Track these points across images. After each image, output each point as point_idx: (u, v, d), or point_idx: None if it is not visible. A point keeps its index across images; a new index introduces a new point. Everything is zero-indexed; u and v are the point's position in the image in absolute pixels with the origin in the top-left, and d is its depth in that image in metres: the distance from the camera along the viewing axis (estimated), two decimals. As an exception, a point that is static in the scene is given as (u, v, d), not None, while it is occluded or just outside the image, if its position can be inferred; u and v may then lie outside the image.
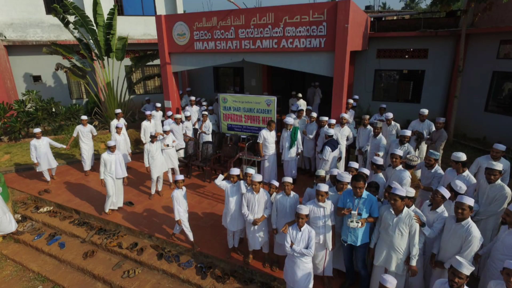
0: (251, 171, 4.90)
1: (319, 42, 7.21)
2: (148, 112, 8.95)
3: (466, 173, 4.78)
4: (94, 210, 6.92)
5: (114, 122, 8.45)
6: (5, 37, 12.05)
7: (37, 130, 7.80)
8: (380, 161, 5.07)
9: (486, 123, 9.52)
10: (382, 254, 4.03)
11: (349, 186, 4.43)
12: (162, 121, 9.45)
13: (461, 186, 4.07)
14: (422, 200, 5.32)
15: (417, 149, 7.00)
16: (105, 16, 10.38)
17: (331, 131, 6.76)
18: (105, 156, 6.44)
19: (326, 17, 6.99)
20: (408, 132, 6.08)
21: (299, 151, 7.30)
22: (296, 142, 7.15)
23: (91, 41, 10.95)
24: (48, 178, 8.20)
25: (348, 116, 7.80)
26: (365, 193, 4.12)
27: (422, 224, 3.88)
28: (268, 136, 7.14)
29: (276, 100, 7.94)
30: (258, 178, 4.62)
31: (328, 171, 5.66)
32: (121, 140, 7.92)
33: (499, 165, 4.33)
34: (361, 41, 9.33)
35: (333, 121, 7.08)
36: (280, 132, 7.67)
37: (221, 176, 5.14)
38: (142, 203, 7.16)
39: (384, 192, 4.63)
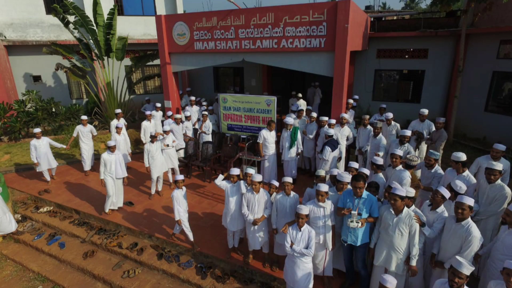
0: (251, 171, 4.90)
1: (319, 42, 7.21)
2: (148, 112, 8.95)
3: (466, 173, 4.78)
4: (94, 210, 6.92)
5: (114, 122, 8.45)
6: (5, 37, 12.05)
7: (37, 130, 7.80)
8: (380, 161, 5.07)
9: (486, 123, 9.52)
10: (382, 254, 4.03)
11: (349, 186, 4.43)
12: (162, 121, 9.45)
13: (461, 186, 4.07)
14: (422, 200, 5.32)
15: (417, 149, 7.00)
16: (105, 16, 10.38)
17: (331, 131, 6.76)
18: (105, 156, 6.44)
19: (326, 17, 6.99)
20: (408, 132, 6.08)
21: (299, 151, 7.30)
22: (296, 142, 7.15)
23: (91, 41, 10.96)
24: (48, 178, 8.20)
25: (348, 116, 7.80)
26: (365, 193, 4.12)
27: (422, 224, 3.88)
28: (268, 136, 7.14)
29: (276, 100, 7.94)
30: (258, 178, 4.62)
31: (328, 171, 5.66)
32: (121, 140, 7.92)
33: (499, 165, 4.33)
34: (361, 41, 9.33)
35: (333, 121, 7.08)
36: (280, 132, 7.67)
37: (221, 176, 5.14)
38: (142, 203, 7.16)
39: (384, 192, 4.63)
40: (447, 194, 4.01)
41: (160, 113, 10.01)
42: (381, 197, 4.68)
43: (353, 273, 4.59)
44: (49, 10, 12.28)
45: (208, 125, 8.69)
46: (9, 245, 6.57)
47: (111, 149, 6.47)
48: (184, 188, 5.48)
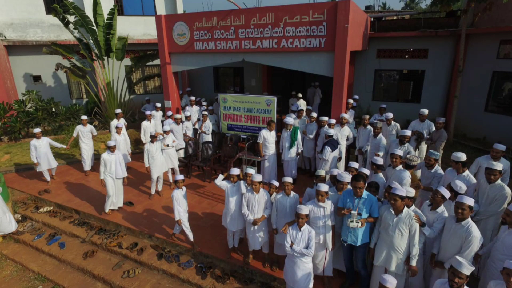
0: (251, 171, 4.90)
1: (319, 42, 7.21)
2: (148, 112, 8.95)
3: (466, 173, 4.78)
4: (94, 210, 6.92)
5: (114, 122, 8.45)
6: (5, 37, 12.05)
7: (37, 130, 7.80)
8: (380, 161, 5.07)
9: (486, 123, 9.52)
10: (382, 254, 4.03)
11: (349, 186, 4.43)
12: (162, 121, 9.45)
13: (461, 186, 4.07)
14: (422, 200, 5.32)
15: (417, 149, 7.00)
16: (105, 16, 10.38)
17: (331, 131, 6.76)
18: (105, 156, 6.44)
19: (326, 17, 6.99)
20: (408, 132, 6.08)
21: (299, 151, 7.30)
22: (296, 142, 7.15)
23: (91, 41, 10.96)
24: (48, 178, 8.20)
25: (348, 116, 7.80)
26: (365, 193, 4.12)
27: (422, 224, 3.88)
28: (268, 136, 7.14)
29: (276, 100, 7.94)
30: (258, 178, 4.62)
31: (328, 171, 5.66)
32: (121, 140, 7.92)
33: (499, 165, 4.33)
34: (361, 41, 9.33)
35: (333, 121, 7.08)
36: (280, 132, 7.67)
37: (221, 176, 5.14)
38: (142, 203, 7.16)
39: (384, 192, 4.63)
40: (447, 194, 4.01)
41: (160, 113, 10.01)
42: (381, 197, 4.68)
43: (353, 273, 4.59)
44: (49, 10, 12.28)
45: (208, 125, 8.69)
46: (9, 245, 6.57)
47: (111, 149, 6.47)
48: (184, 188, 5.48)
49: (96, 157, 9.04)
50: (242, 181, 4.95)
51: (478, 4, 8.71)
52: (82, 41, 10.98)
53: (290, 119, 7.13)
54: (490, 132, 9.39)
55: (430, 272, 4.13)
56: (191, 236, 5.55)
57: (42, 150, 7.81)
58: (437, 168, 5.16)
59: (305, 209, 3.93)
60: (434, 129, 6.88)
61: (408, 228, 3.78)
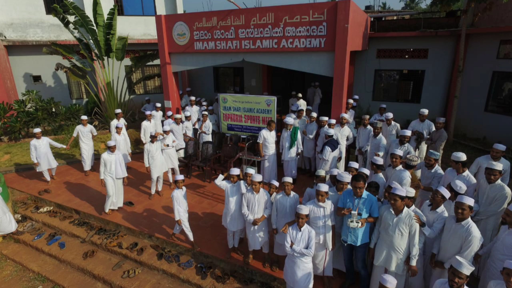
0: (251, 171, 4.90)
1: (319, 42, 7.21)
2: (148, 112, 8.95)
3: (466, 173, 4.78)
4: (94, 210, 6.92)
5: (114, 122, 8.46)
6: (5, 37, 12.05)
7: (37, 130, 7.80)
8: (380, 161, 5.07)
9: (486, 123, 9.52)
10: (382, 254, 4.03)
11: (349, 186, 4.43)
12: (162, 121, 9.46)
13: (461, 186, 4.08)
14: (422, 200, 5.32)
15: (417, 149, 7.00)
16: (105, 16, 10.38)
17: (331, 131, 6.76)
18: (105, 156, 6.44)
19: (326, 17, 6.99)
20: (408, 132, 6.08)
21: (299, 151, 7.30)
22: (296, 142, 7.15)
23: (91, 41, 10.96)
24: (48, 178, 8.20)
25: (348, 116, 7.80)
26: (365, 193, 4.12)
27: (422, 224, 3.88)
28: (268, 136, 7.15)
29: (276, 100, 7.94)
30: (258, 178, 4.62)
31: (328, 171, 5.66)
32: (121, 140, 7.92)
33: (499, 165, 4.33)
34: (361, 41, 9.33)
35: (333, 121, 7.09)
36: (280, 132, 7.67)
37: (221, 176, 5.14)
38: (142, 203, 7.16)
39: (384, 192, 4.63)
40: (447, 194, 4.01)
41: (160, 113, 10.01)
42: (381, 197, 4.68)
43: (353, 273, 4.59)
44: (49, 10, 12.29)
45: (208, 125, 8.69)
46: (9, 245, 6.57)
47: (111, 149, 6.47)
48: (184, 188, 5.48)
49: (96, 157, 9.04)
50: (242, 181, 4.95)
51: (478, 4, 8.71)
52: (82, 41, 10.98)
53: (290, 119, 7.13)
54: (490, 132, 9.40)
55: (430, 272, 4.13)
56: (191, 236, 5.55)
57: (42, 150, 7.81)
58: (437, 168, 5.16)
59: (305, 209, 3.93)
60: (434, 129, 6.88)
61: (408, 228, 3.78)
